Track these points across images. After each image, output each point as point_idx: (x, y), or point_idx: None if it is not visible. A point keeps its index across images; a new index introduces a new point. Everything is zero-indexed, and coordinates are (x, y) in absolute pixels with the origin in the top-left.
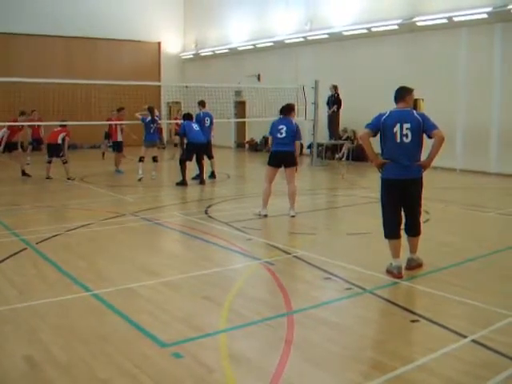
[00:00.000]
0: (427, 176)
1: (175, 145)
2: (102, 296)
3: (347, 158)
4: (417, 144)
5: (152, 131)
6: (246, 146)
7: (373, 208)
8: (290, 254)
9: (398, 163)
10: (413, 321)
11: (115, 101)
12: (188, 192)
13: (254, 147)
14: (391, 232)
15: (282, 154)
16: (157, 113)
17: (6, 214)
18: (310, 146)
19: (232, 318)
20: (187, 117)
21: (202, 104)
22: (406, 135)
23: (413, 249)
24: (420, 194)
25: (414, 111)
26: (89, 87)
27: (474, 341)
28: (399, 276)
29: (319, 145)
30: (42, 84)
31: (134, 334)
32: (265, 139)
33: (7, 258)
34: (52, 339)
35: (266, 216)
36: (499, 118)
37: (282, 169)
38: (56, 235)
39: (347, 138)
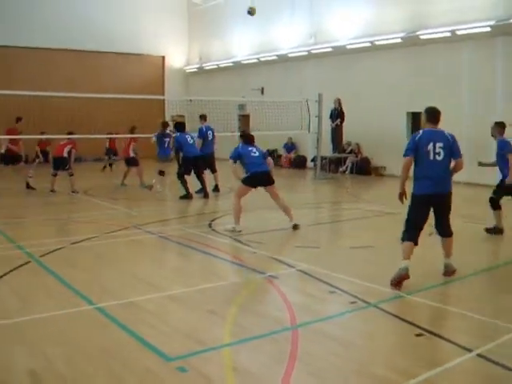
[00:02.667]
0: None
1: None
2: (105, 309)
3: (351, 172)
4: (448, 161)
5: (166, 146)
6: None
7: (377, 222)
8: (294, 267)
9: (430, 179)
10: (417, 335)
11: (119, 114)
12: (192, 205)
13: None
14: (410, 238)
15: (261, 174)
16: (170, 127)
17: (10, 226)
18: (313, 159)
19: (236, 332)
20: (179, 127)
21: (203, 118)
22: (439, 153)
23: (448, 252)
24: (450, 205)
25: (445, 131)
26: (93, 100)
27: (478, 355)
28: (406, 277)
29: (323, 158)
30: (46, 97)
31: (137, 347)
32: (268, 152)
33: (11, 270)
34: (55, 353)
35: (240, 232)
36: None
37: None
38: (60, 248)
39: (351, 152)
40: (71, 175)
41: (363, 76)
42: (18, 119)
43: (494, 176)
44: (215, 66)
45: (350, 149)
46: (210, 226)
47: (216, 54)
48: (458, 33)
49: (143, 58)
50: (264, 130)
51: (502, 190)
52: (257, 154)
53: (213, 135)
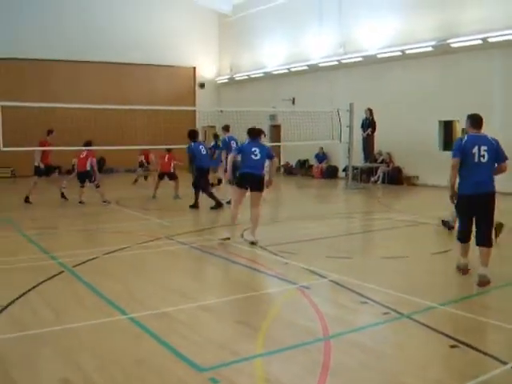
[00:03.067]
0: None
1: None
2: (138, 319)
3: (383, 181)
4: (492, 163)
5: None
6: (281, 169)
7: (409, 232)
8: (326, 278)
9: (475, 180)
10: (452, 346)
11: (151, 126)
12: (224, 216)
13: (289, 171)
14: (463, 237)
15: (251, 176)
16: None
17: (43, 237)
18: (345, 169)
19: (268, 343)
20: (193, 136)
21: (226, 129)
22: (483, 156)
23: (484, 261)
24: (493, 207)
25: (488, 135)
26: (124, 112)
27: None
28: (465, 273)
29: (354, 168)
30: (79, 110)
31: (169, 358)
32: (299, 163)
33: (45, 280)
34: (88, 362)
35: (228, 239)
36: None
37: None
38: (93, 258)
39: (382, 161)
40: (97, 187)
41: (394, 85)
42: (50, 132)
43: None
44: (246, 77)
45: (381, 158)
46: (242, 236)
47: (246, 64)
48: (490, 40)
49: (174, 69)
50: (295, 141)
51: None
52: (258, 157)
53: (236, 145)
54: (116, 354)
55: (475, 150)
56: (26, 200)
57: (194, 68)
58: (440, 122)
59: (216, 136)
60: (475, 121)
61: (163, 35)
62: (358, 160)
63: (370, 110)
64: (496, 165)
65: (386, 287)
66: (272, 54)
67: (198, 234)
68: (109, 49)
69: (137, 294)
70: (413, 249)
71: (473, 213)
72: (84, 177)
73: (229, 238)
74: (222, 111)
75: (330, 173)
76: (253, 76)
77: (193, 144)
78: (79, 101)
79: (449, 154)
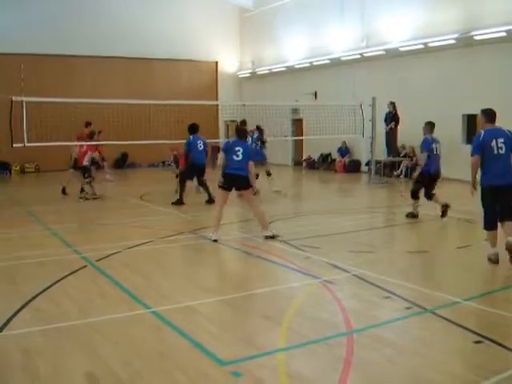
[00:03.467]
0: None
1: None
2: (161, 313)
3: (406, 175)
4: (509, 154)
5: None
6: (304, 163)
7: (432, 226)
8: (349, 272)
9: (495, 172)
10: (476, 342)
11: (173, 120)
12: (246, 210)
13: (312, 165)
14: (489, 225)
15: (234, 177)
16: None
17: (66, 231)
18: (367, 163)
19: (291, 337)
20: (192, 130)
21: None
22: (501, 148)
23: (511, 232)
24: None
25: (503, 128)
26: (147, 107)
27: None
28: (496, 262)
29: (377, 162)
30: (101, 104)
31: (192, 351)
32: (322, 157)
33: (68, 274)
34: (112, 356)
35: (216, 241)
36: None
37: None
38: (116, 253)
39: (405, 155)
40: (88, 183)
41: (417, 78)
42: (88, 124)
43: None
44: (267, 71)
45: (404, 152)
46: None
47: (268, 58)
48: None
49: (197, 63)
50: (318, 135)
51: (420, 182)
52: (239, 158)
53: (252, 140)
54: (139, 348)
55: (493, 143)
56: (63, 191)
57: (216, 62)
58: (463, 115)
59: (259, 129)
60: (489, 115)
61: (185, 30)
62: (381, 154)
63: (393, 104)
64: None
65: (409, 282)
66: (293, 48)
67: (220, 229)
68: (131, 44)
69: (159, 288)
70: (436, 243)
71: (495, 203)
72: (83, 171)
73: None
74: (244, 105)
75: (353, 167)
76: (274, 70)
77: (191, 138)
78: (102, 96)
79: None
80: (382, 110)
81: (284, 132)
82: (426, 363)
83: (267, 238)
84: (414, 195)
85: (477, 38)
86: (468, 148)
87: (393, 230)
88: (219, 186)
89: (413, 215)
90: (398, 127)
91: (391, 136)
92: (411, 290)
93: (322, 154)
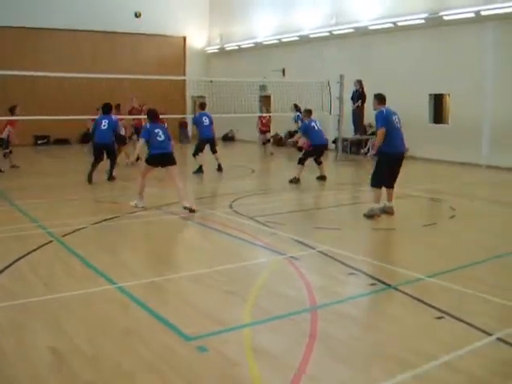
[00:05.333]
0: (452, 171)
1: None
2: (126, 289)
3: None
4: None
5: None
6: (271, 140)
7: (398, 204)
8: (314, 248)
9: (398, 141)
10: (437, 317)
11: (140, 95)
12: (212, 186)
13: (279, 142)
14: (378, 183)
15: (161, 156)
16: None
17: (32, 206)
18: (334, 141)
19: (256, 313)
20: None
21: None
22: (398, 122)
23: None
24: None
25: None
26: (113, 81)
27: (499, 339)
28: (379, 216)
29: (344, 140)
30: (66, 78)
31: (158, 327)
32: (289, 134)
33: (34, 250)
34: (77, 331)
35: (143, 208)
36: None
37: None
38: (81, 228)
39: (372, 133)
40: (4, 155)
41: (385, 57)
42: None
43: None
44: (236, 47)
45: (371, 130)
46: (230, 206)
47: (237, 34)
48: (483, 13)
49: (164, 38)
50: (285, 111)
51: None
52: (162, 138)
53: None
54: (104, 324)
55: (393, 118)
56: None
57: (184, 37)
58: (430, 95)
59: (296, 107)
60: (382, 98)
61: (153, 4)
62: (348, 132)
63: (360, 82)
64: None
65: (373, 259)
66: (263, 24)
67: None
68: (98, 18)
69: (125, 264)
70: (402, 221)
71: (391, 168)
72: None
73: (143, 207)
74: (211, 81)
75: None
76: (243, 46)
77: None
78: (68, 70)
79: (439, 127)
80: (350, 89)
81: (252, 108)
82: (389, 339)
83: (185, 208)
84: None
85: (446, 18)
86: (435, 127)
87: (359, 207)
88: (147, 162)
89: (296, 180)
90: (365, 105)
91: (358, 114)
92: (376, 267)
93: (289, 131)
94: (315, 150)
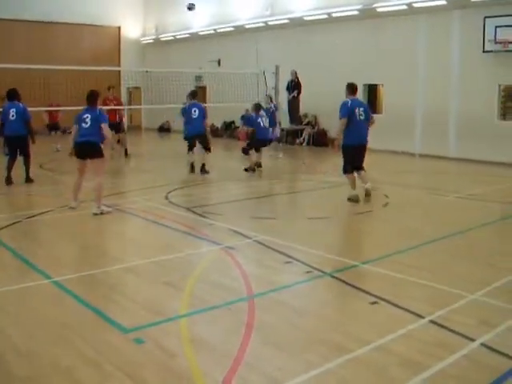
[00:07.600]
0: (386, 160)
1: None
2: (62, 283)
3: (308, 143)
4: (367, 121)
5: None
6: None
7: (333, 193)
8: (250, 238)
9: (357, 134)
10: (372, 303)
11: (74, 86)
12: (149, 178)
13: (215, 133)
14: (348, 170)
15: (85, 145)
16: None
17: None
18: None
19: (193, 303)
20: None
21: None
22: (362, 115)
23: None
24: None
25: (359, 98)
26: (47, 72)
27: (431, 321)
28: (357, 201)
29: (280, 130)
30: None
31: (95, 320)
32: (225, 125)
33: None
34: (12, 327)
35: (73, 208)
36: (457, 104)
37: None
38: (15, 222)
39: (308, 123)
40: None
41: (320, 48)
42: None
43: (447, 148)
44: (172, 37)
45: (306, 121)
46: (167, 198)
47: (172, 25)
48: (415, 5)
49: (98, 28)
50: (221, 102)
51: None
52: (88, 125)
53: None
54: (40, 319)
55: (357, 110)
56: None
57: (119, 28)
58: (365, 85)
59: (270, 98)
60: (352, 88)
61: None
62: (284, 122)
63: (295, 72)
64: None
65: (309, 247)
66: (199, 15)
67: (122, 197)
68: (31, 8)
69: (61, 258)
70: (336, 209)
71: (354, 156)
72: None
73: (74, 208)
74: (147, 72)
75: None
76: (178, 37)
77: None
78: (1, 61)
79: (374, 117)
80: (286, 79)
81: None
82: (326, 325)
83: (95, 214)
84: (247, 152)
85: (379, 10)
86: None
87: (294, 196)
88: (75, 155)
89: (251, 169)
90: (301, 96)
91: (294, 104)
92: (311, 255)
93: (225, 122)
94: (258, 142)
